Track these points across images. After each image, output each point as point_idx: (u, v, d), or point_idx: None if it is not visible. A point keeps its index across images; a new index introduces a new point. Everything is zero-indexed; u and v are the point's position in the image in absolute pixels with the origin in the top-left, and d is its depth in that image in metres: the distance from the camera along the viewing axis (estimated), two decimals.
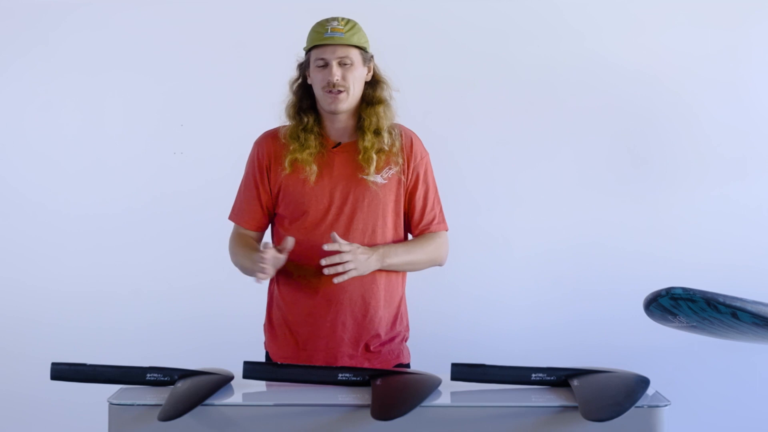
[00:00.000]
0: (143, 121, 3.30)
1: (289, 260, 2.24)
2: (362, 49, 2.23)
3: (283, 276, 2.27)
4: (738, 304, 1.61)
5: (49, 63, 3.28)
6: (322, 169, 2.22)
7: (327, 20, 2.22)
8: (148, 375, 1.85)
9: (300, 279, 2.24)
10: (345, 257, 2.10)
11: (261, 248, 2.15)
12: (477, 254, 3.27)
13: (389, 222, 2.25)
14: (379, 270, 2.23)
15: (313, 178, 2.21)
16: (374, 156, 2.20)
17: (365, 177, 2.22)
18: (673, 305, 1.67)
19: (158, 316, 3.26)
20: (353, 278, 2.17)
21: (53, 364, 1.85)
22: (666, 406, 1.73)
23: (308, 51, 2.24)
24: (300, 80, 2.29)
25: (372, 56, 2.27)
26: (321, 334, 2.23)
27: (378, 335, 2.26)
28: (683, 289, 1.63)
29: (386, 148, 2.22)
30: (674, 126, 3.30)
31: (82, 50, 3.27)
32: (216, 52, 3.27)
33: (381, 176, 2.23)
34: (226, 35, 3.27)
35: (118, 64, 3.27)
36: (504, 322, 3.27)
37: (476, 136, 3.29)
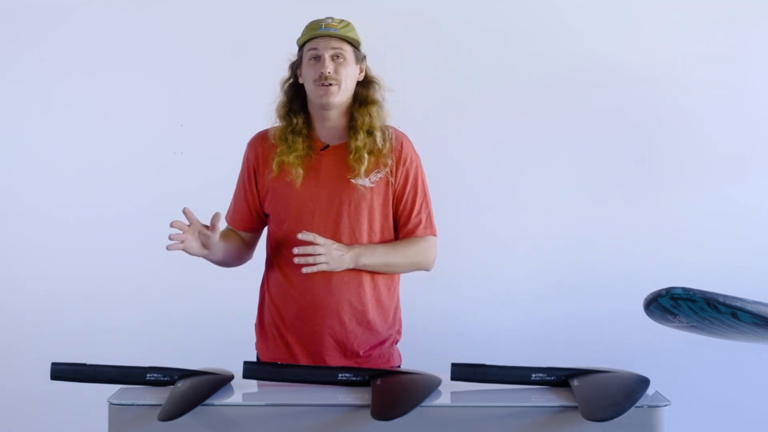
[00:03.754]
0: (143, 121, 3.29)
1: (279, 263, 2.26)
2: (355, 48, 2.23)
3: (274, 278, 2.28)
4: (738, 304, 1.60)
5: (49, 63, 3.27)
6: (309, 172, 2.21)
7: (322, 18, 2.23)
8: (148, 375, 1.85)
9: (289, 282, 2.24)
10: (318, 249, 2.11)
11: (185, 218, 2.14)
12: (478, 254, 3.27)
13: (376, 225, 2.24)
14: (365, 274, 2.23)
15: (299, 181, 2.20)
16: (366, 156, 2.19)
17: (352, 180, 2.21)
18: (673, 305, 1.67)
19: (158, 316, 3.26)
20: (341, 282, 2.19)
21: (53, 364, 1.85)
22: (666, 406, 1.73)
23: (301, 47, 2.25)
24: (291, 80, 2.28)
25: (365, 56, 2.27)
26: (309, 338, 2.23)
27: (367, 340, 2.25)
28: (683, 289, 1.63)
29: (379, 147, 2.20)
30: (674, 126, 3.30)
31: (82, 50, 3.27)
32: (216, 53, 3.26)
33: (369, 179, 2.22)
34: (226, 35, 3.27)
35: (118, 64, 3.26)
36: (505, 321, 3.27)
37: (476, 135, 3.29)
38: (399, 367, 2.32)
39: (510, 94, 3.29)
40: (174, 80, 3.28)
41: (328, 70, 2.16)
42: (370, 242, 2.23)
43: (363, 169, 2.19)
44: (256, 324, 2.36)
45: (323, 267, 2.12)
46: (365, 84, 2.27)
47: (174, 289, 3.26)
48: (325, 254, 2.12)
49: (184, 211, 2.13)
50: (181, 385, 1.80)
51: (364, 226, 2.22)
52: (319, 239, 2.12)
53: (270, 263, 2.33)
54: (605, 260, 3.28)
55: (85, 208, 3.28)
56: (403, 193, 2.26)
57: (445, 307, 3.24)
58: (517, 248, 3.30)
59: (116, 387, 1.84)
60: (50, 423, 3.25)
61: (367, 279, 2.24)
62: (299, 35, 2.29)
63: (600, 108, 3.29)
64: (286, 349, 2.26)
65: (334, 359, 2.23)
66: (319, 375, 1.88)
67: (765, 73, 3.31)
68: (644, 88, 3.28)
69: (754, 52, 3.31)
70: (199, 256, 2.20)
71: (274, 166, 2.22)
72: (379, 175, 2.23)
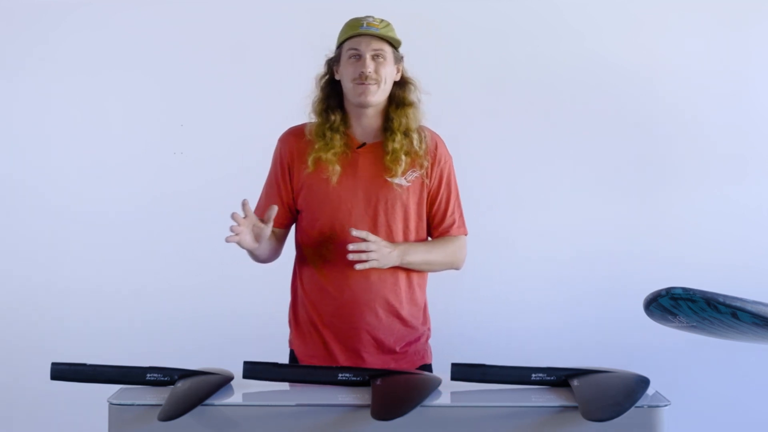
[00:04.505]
0: (143, 121, 3.29)
1: (313, 259, 2.25)
2: (395, 48, 2.23)
3: (308, 275, 2.28)
4: (738, 304, 1.60)
5: (49, 63, 3.27)
6: (346, 170, 2.21)
7: (363, 17, 2.23)
8: (148, 375, 1.85)
9: (324, 279, 2.24)
10: (370, 246, 2.12)
11: (242, 211, 2.11)
12: (478, 254, 3.23)
13: (412, 224, 2.25)
14: (401, 271, 2.24)
15: (335, 178, 2.20)
16: (403, 157, 2.20)
17: (389, 179, 2.21)
18: (673, 305, 1.67)
19: (158, 316, 3.26)
20: (379, 279, 2.20)
21: (53, 364, 1.85)
22: (666, 406, 1.73)
23: (340, 45, 2.24)
24: (327, 77, 2.28)
25: (402, 57, 2.28)
26: (347, 334, 2.23)
27: (403, 336, 2.26)
28: (683, 289, 1.63)
29: (416, 149, 2.22)
30: (674, 126, 3.30)
31: (82, 50, 3.27)
32: (216, 52, 3.26)
33: (405, 179, 2.23)
34: (226, 35, 3.27)
35: (118, 64, 3.26)
36: (505, 321, 3.27)
37: (476, 136, 3.28)
38: (431, 365, 2.34)
39: (510, 94, 3.29)
40: (174, 80, 3.28)
41: (369, 69, 2.17)
42: (406, 241, 2.25)
43: (400, 169, 2.21)
44: (290, 320, 2.34)
45: (374, 264, 2.13)
46: (401, 85, 2.27)
47: (174, 289, 3.26)
48: (376, 251, 2.13)
49: (243, 203, 2.10)
50: (181, 385, 1.80)
51: (400, 225, 2.24)
52: (371, 236, 2.13)
53: (302, 260, 2.31)
54: (605, 260, 3.28)
55: (84, 208, 3.28)
56: (438, 192, 2.28)
57: (445, 307, 3.23)
58: (517, 248, 3.30)
59: (116, 387, 1.84)
60: (50, 423, 3.25)
61: (402, 276, 2.25)
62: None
63: (600, 108, 3.29)
64: (323, 345, 2.25)
65: (371, 355, 2.23)
66: (319, 375, 1.88)
67: (765, 73, 3.31)
68: (644, 88, 3.28)
69: (754, 52, 3.31)
70: (249, 249, 2.18)
71: (310, 162, 2.21)
72: (415, 175, 2.24)
